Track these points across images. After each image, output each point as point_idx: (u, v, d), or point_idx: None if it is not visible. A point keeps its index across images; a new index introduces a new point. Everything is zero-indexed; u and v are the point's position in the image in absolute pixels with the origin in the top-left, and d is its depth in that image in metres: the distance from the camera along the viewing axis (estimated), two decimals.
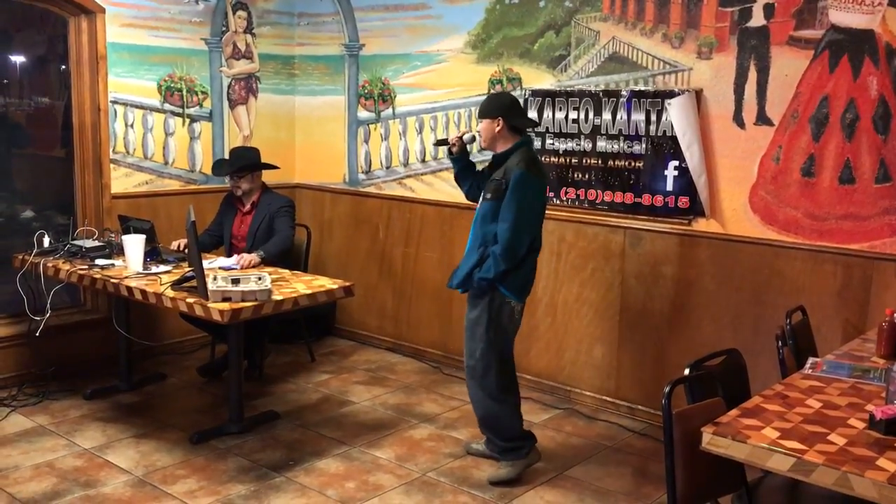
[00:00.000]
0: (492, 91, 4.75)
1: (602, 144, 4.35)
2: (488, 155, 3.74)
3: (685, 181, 4.07)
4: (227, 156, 5.06)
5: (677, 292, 4.19)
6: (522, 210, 3.46)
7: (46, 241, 4.42)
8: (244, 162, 4.66)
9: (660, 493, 3.53)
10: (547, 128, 4.54)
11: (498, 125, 3.55)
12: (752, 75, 3.84)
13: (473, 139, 3.77)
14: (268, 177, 4.87)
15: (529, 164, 3.50)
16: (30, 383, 4.57)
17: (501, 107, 3.58)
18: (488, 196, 3.54)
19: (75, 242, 4.42)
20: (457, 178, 3.89)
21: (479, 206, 3.63)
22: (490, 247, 3.50)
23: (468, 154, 3.82)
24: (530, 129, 4.32)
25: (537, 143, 4.56)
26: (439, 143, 3.95)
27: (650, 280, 4.28)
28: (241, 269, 4.20)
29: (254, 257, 4.31)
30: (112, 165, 4.94)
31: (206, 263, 4.05)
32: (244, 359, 4.42)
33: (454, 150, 3.78)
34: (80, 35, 4.80)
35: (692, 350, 3.95)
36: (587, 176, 4.43)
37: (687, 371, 2.53)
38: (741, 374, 2.79)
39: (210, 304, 3.56)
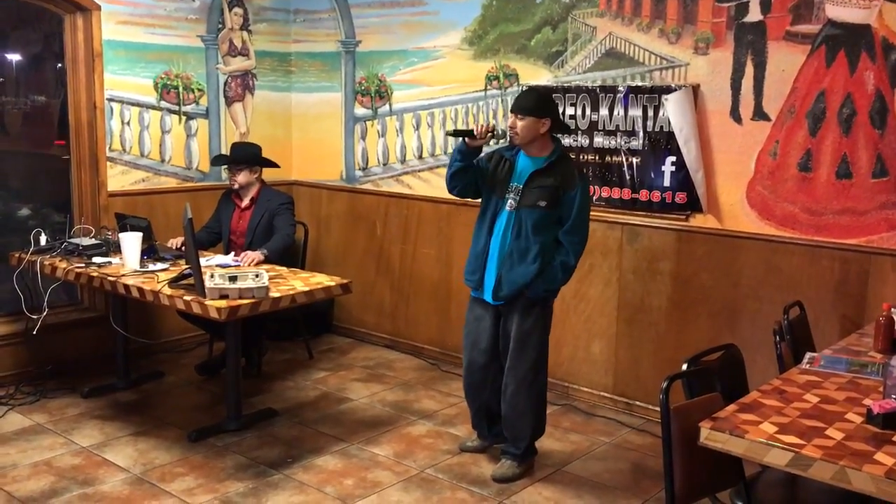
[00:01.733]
0: (488, 87, 4.75)
1: (599, 140, 4.35)
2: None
3: (682, 177, 4.07)
4: (227, 152, 5.07)
5: (675, 288, 4.19)
6: (588, 222, 3.49)
7: (43, 239, 4.42)
8: (243, 154, 4.66)
9: (658, 489, 3.54)
10: None
11: (544, 126, 3.40)
12: (749, 70, 3.84)
13: (504, 135, 3.49)
14: (265, 174, 4.86)
15: (584, 175, 3.50)
16: (27, 381, 4.57)
17: (549, 106, 3.43)
18: (542, 204, 3.39)
19: (72, 240, 4.41)
20: (455, 173, 3.52)
21: (515, 210, 3.43)
22: (549, 256, 3.44)
23: (480, 150, 3.51)
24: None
25: None
26: (459, 133, 3.46)
27: (648, 276, 4.28)
28: (246, 266, 4.20)
29: (258, 255, 4.30)
30: (108, 163, 4.93)
31: (203, 261, 4.04)
32: (242, 356, 4.42)
33: (476, 143, 3.41)
34: (75, 32, 4.79)
35: (690, 345, 3.95)
36: (584, 172, 4.42)
37: (685, 366, 2.53)
38: (739, 370, 2.79)
39: (207, 302, 3.55)
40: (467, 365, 3.74)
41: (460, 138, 3.48)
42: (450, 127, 5.00)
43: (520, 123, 3.39)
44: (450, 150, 5.02)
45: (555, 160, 3.45)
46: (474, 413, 3.83)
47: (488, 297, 3.56)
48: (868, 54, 3.51)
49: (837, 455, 2.02)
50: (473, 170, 3.56)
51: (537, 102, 3.41)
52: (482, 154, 3.57)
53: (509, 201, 3.48)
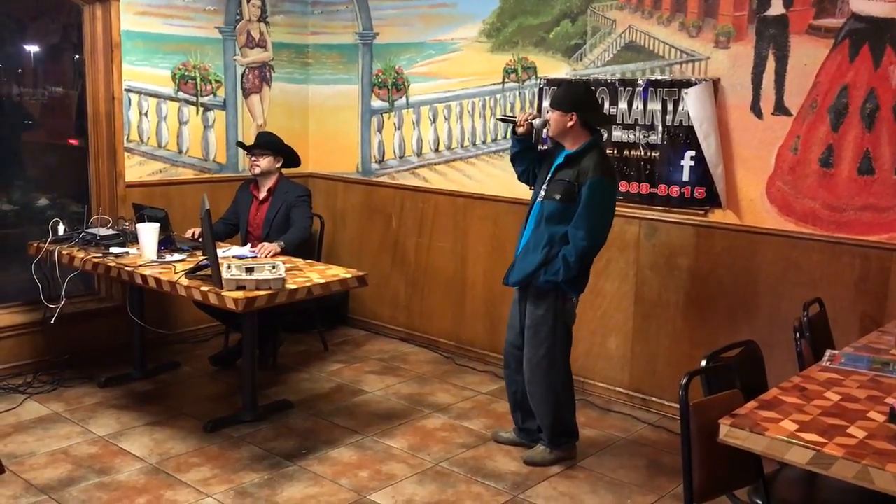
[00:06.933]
0: (506, 80, 4.74)
1: (618, 134, 4.32)
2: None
3: (701, 171, 4.04)
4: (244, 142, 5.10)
5: (692, 284, 4.16)
6: (599, 218, 3.43)
7: (61, 229, 4.43)
8: (269, 140, 4.72)
9: (673, 485, 3.52)
10: None
11: (571, 120, 3.43)
12: (771, 65, 3.80)
13: (544, 125, 3.59)
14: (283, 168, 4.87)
15: (605, 170, 3.43)
16: (44, 371, 4.59)
17: (576, 101, 3.46)
18: (557, 197, 3.43)
19: (90, 230, 4.43)
20: (514, 158, 3.72)
21: (541, 201, 3.51)
22: (556, 247, 3.43)
23: (531, 137, 3.66)
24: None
25: None
26: (505, 119, 3.78)
27: (665, 271, 4.25)
28: (263, 257, 4.20)
29: (275, 247, 4.30)
30: (126, 154, 4.94)
31: (220, 252, 4.05)
32: (257, 348, 4.43)
33: (520, 130, 3.61)
34: (94, 23, 4.80)
35: (707, 342, 3.92)
36: (608, 168, 4.38)
37: (704, 362, 2.51)
38: (758, 366, 2.76)
39: (224, 293, 3.55)
40: (504, 345, 3.82)
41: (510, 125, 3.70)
42: (462, 124, 5.04)
43: (551, 116, 3.50)
44: (466, 142, 5.05)
45: (574, 154, 3.47)
46: (510, 397, 3.86)
47: (506, 281, 3.67)
48: (893, 48, 3.46)
49: (859, 454, 1.99)
50: (532, 154, 3.70)
51: (564, 97, 3.49)
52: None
53: (541, 192, 3.57)
